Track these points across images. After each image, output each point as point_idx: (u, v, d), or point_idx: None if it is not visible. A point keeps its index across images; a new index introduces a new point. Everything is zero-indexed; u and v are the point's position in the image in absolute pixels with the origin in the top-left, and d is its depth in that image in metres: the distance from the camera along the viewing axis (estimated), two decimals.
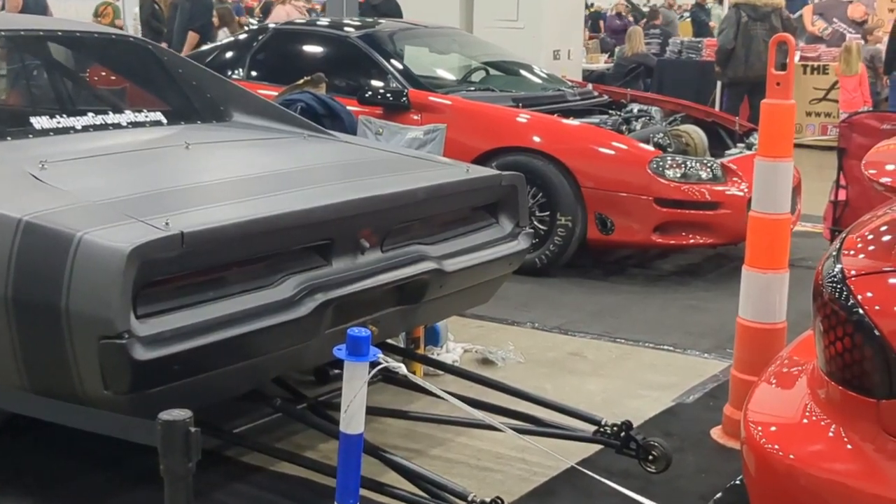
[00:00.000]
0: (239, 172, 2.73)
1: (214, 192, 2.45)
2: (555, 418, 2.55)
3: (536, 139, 4.56)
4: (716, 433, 2.78)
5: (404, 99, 4.69)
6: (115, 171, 2.58)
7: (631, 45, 10.32)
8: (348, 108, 4.25)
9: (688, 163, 4.48)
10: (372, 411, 2.20)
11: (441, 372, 2.94)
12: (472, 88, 5.25)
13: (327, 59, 5.17)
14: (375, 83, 4.90)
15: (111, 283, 1.82)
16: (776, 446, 1.47)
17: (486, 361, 3.34)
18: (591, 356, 3.54)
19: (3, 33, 3.32)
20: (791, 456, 1.42)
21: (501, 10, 7.01)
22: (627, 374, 3.38)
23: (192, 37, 8.85)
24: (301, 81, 4.33)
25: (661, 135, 4.78)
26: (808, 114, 9.24)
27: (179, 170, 2.74)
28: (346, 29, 5.50)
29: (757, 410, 1.60)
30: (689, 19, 14.82)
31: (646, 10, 15.17)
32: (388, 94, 4.76)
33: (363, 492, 1.75)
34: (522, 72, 5.72)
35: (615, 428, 2.41)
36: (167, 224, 1.94)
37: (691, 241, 4.54)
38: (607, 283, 4.64)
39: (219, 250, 2.09)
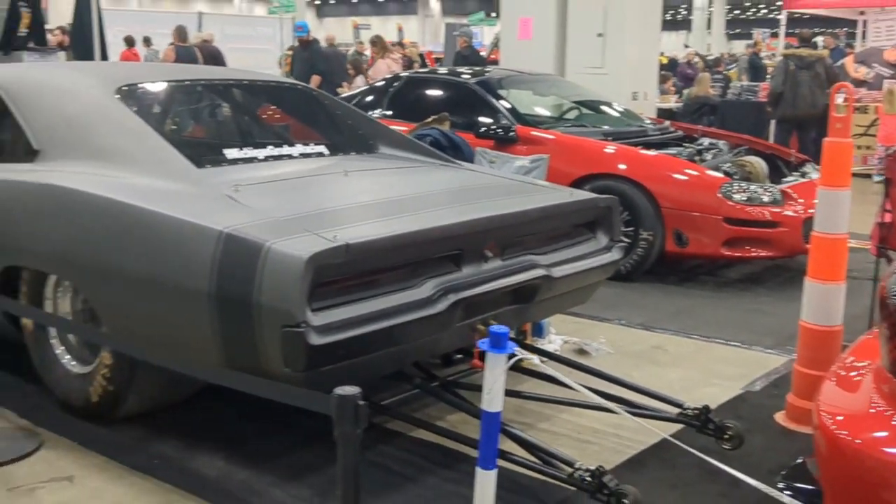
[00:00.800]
0: (388, 195, 2.71)
1: (370, 211, 2.44)
2: (642, 401, 2.41)
3: (622, 167, 4.41)
4: (780, 417, 2.63)
5: (512, 133, 4.62)
6: (292, 193, 2.59)
7: (699, 88, 9.90)
8: (467, 141, 4.22)
9: (751, 188, 4.28)
10: None
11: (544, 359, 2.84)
12: (569, 124, 5.15)
13: (450, 100, 5.14)
14: (488, 120, 4.84)
15: (293, 283, 1.83)
16: (846, 432, 1.43)
17: (581, 352, 3.20)
18: (671, 349, 3.35)
19: (202, 82, 3.42)
20: (858, 441, 1.39)
21: (589, 59, 6.83)
22: (702, 365, 3.18)
23: (315, 79, 8.65)
24: (429, 119, 4.33)
25: (729, 164, 4.64)
26: None
27: (341, 192, 2.74)
28: (464, 76, 5.49)
29: (827, 402, 1.55)
30: (734, 69, 14.69)
31: (711, 59, 14.89)
32: (499, 129, 4.70)
33: None
34: (609, 110, 5.56)
35: (695, 410, 2.29)
36: (335, 237, 1.94)
37: (754, 254, 4.35)
38: (682, 287, 4.41)
39: (374, 258, 2.07)
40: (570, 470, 1.91)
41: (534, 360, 1.74)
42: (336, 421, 1.41)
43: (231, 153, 2.82)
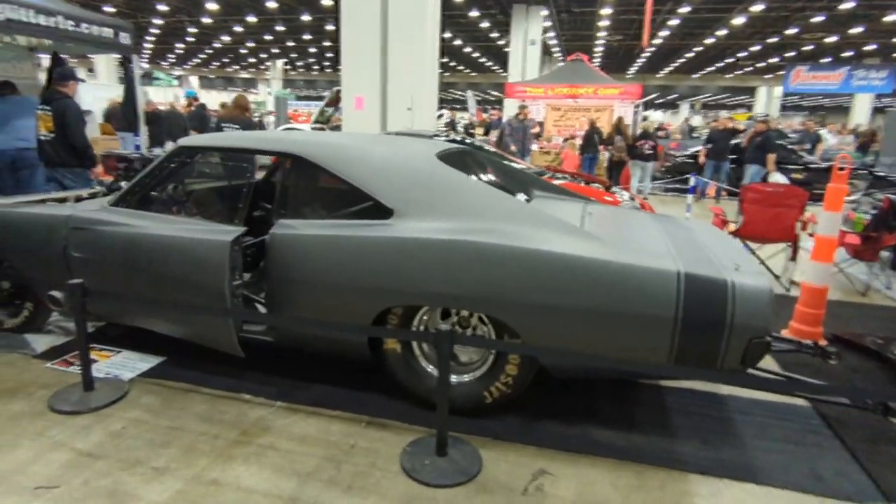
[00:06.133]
0: (667, 235, 3.15)
1: (701, 250, 2.94)
2: None
3: None
4: None
5: None
6: (619, 229, 3.07)
7: None
8: None
9: None
10: None
11: None
12: None
13: None
14: None
15: (764, 306, 2.40)
16: None
17: None
18: None
19: (457, 149, 3.66)
20: None
21: (403, 124, 8.67)
22: None
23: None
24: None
25: None
26: None
27: (639, 229, 3.19)
28: None
29: None
30: None
31: None
32: None
33: None
34: None
35: None
36: (737, 268, 2.54)
37: None
38: None
39: None
40: None
41: None
42: None
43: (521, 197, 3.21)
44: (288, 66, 44.35)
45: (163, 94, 24.41)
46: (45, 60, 6.25)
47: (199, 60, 42.08)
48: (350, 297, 2.80)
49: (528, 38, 23.95)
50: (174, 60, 41.67)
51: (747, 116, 26.25)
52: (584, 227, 2.99)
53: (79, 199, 4.34)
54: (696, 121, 35.14)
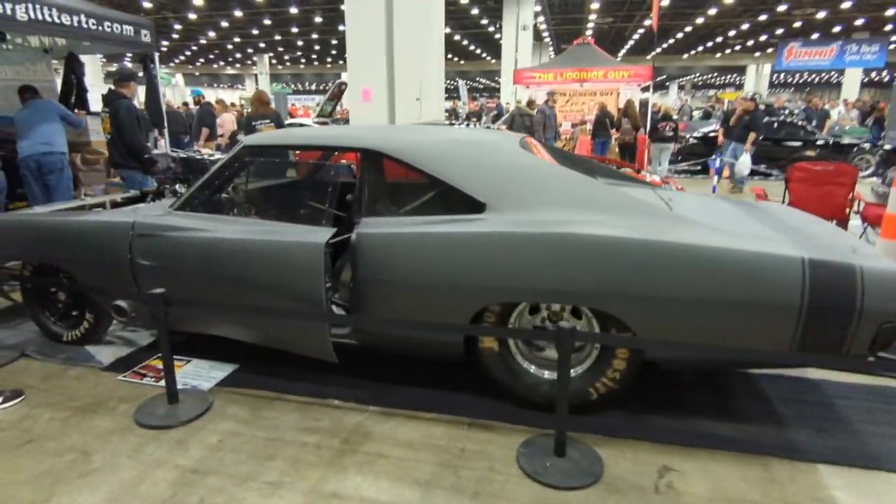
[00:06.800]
0: (754, 219, 3.05)
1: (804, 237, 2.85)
2: None
3: None
4: None
5: None
6: (724, 216, 2.97)
7: None
8: None
9: None
10: None
11: None
12: None
13: None
14: None
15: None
16: None
17: None
18: None
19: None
20: None
21: (412, 115, 8.38)
22: None
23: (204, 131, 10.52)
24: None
25: None
26: None
27: (729, 214, 3.09)
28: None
29: None
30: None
31: None
32: None
33: None
34: None
35: None
36: (854, 251, 2.45)
37: None
38: None
39: None
40: None
41: None
42: None
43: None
44: (274, 61, 43.82)
45: (170, 94, 24.05)
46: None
47: (183, 58, 41.45)
48: (447, 296, 2.68)
49: (520, 23, 23.76)
50: (158, 58, 41.01)
51: (736, 95, 26.25)
52: (679, 214, 2.88)
53: (115, 204, 4.19)
54: (692, 102, 35.20)
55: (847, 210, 5.08)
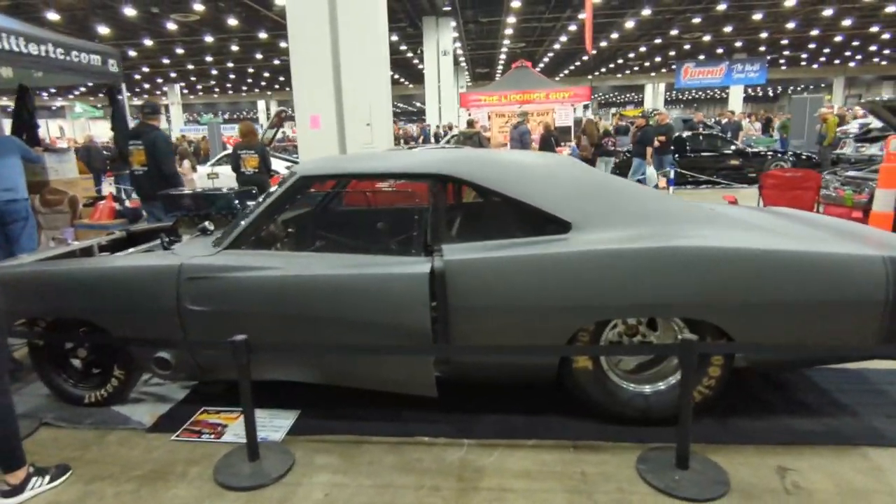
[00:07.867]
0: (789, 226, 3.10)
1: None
2: None
3: None
4: None
5: None
6: (776, 224, 3.09)
7: None
8: None
9: None
10: None
11: None
12: None
13: None
14: None
15: None
16: None
17: None
18: None
19: None
20: None
21: (363, 139, 8.16)
22: None
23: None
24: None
25: None
26: None
27: (778, 223, 3.18)
28: None
29: None
30: None
31: None
32: None
33: None
34: None
35: None
36: None
37: None
38: None
39: None
40: None
41: None
42: None
43: None
44: (186, 91, 42.00)
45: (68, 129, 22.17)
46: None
47: (84, 89, 38.80)
48: (543, 319, 2.62)
49: (440, 48, 24.18)
50: (55, 91, 38.16)
51: (639, 112, 28.04)
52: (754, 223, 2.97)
53: (101, 247, 3.82)
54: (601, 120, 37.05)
55: (813, 211, 5.49)
